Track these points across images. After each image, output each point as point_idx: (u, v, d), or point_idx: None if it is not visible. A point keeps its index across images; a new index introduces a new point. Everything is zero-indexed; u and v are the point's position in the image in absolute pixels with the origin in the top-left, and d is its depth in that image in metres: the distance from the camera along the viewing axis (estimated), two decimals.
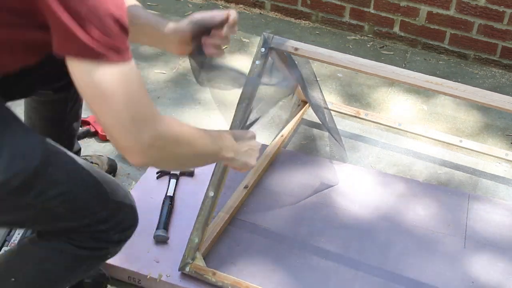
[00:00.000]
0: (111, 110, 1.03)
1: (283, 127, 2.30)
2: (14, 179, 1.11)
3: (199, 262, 1.69)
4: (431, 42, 2.99)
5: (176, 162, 1.23)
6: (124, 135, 1.05)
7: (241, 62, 2.77)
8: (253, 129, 1.61)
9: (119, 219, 1.31)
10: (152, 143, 1.07)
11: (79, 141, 2.25)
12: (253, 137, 1.47)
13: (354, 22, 3.10)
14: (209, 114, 2.43)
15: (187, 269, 1.68)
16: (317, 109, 2.12)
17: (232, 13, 1.46)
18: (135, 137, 1.05)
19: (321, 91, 2.16)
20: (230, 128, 1.73)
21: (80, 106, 1.79)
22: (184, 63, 2.77)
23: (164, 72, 2.69)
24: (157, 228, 1.82)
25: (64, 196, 1.20)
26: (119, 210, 1.31)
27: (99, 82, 1.01)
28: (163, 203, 1.91)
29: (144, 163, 1.10)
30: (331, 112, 2.27)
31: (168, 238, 1.81)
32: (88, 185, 1.24)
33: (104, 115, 1.04)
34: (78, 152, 1.96)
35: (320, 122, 2.14)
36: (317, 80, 2.20)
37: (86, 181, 1.24)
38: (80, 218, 1.24)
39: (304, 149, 2.26)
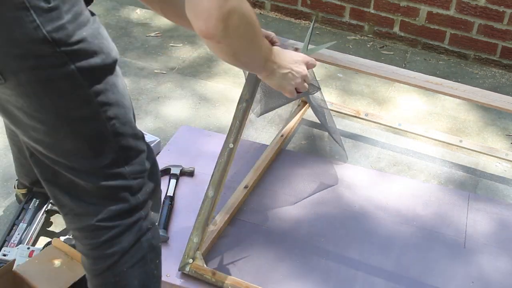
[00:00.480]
0: None
1: (283, 127, 2.30)
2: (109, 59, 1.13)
3: (199, 262, 1.69)
4: (431, 42, 2.99)
5: (234, 47, 1.19)
6: None
7: None
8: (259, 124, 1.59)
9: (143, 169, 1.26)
10: (229, 16, 1.08)
11: None
12: (303, 61, 1.43)
13: (354, 22, 3.10)
14: (209, 114, 2.43)
15: (187, 269, 1.68)
16: (316, 109, 2.12)
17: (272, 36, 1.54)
18: (220, 3, 1.06)
19: (321, 92, 2.15)
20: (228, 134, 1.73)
21: None
22: (184, 63, 2.77)
23: (164, 72, 2.69)
24: None
25: (116, 119, 1.17)
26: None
27: None
28: (163, 203, 1.91)
29: (210, 33, 1.09)
30: (331, 112, 2.27)
31: (168, 238, 1.81)
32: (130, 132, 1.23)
33: None
34: None
35: (320, 122, 2.14)
36: (317, 81, 2.19)
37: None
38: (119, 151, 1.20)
39: (304, 149, 2.26)
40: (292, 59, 1.40)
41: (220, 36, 1.11)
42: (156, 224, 1.31)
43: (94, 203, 1.20)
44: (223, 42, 1.13)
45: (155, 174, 1.29)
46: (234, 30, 1.12)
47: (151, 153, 1.28)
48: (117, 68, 1.18)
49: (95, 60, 1.10)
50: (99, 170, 1.18)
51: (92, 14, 1.15)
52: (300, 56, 1.43)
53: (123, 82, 1.21)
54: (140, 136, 1.25)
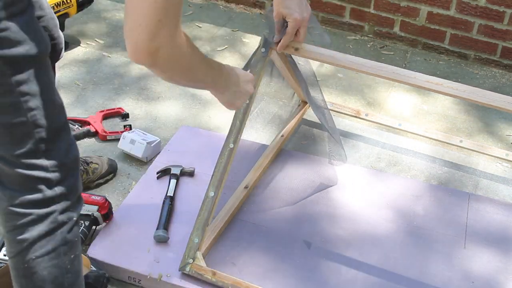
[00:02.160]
0: (147, 4, 1.07)
1: (283, 127, 2.30)
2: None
3: (199, 262, 1.69)
4: (431, 42, 2.99)
5: (166, 75, 1.26)
6: (142, 30, 1.09)
7: (241, 62, 2.78)
8: (255, 125, 1.62)
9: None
10: (156, 52, 1.12)
11: (79, 141, 2.26)
12: (251, 80, 1.56)
13: (354, 22, 3.10)
14: (209, 114, 2.43)
15: (187, 269, 1.68)
16: (317, 109, 2.12)
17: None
18: (150, 37, 1.10)
19: (321, 91, 2.16)
20: (230, 129, 1.73)
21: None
22: None
23: None
24: (157, 228, 1.82)
25: (38, 111, 1.20)
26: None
27: None
28: (163, 203, 1.91)
29: (138, 61, 1.15)
30: (331, 112, 2.27)
31: (168, 238, 1.81)
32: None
33: (137, 6, 1.08)
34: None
35: (320, 122, 2.14)
36: (317, 80, 2.20)
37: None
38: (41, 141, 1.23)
39: (304, 149, 2.26)
40: (244, 77, 1.53)
41: (150, 65, 1.17)
42: (75, 219, 1.32)
43: (11, 188, 1.24)
44: (154, 69, 1.19)
45: (75, 169, 1.30)
46: (164, 63, 1.17)
47: (74, 149, 1.30)
48: (46, 61, 1.21)
49: (18, 50, 1.13)
50: (16, 158, 1.21)
51: (30, 5, 1.17)
52: (249, 76, 1.56)
53: (51, 76, 1.23)
54: (63, 131, 1.27)
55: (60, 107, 1.27)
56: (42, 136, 1.21)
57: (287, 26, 1.71)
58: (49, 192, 1.25)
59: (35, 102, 1.18)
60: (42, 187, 1.24)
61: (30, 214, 1.24)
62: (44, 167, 1.23)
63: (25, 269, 1.28)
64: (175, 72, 1.23)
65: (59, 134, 1.25)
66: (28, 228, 1.25)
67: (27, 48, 1.14)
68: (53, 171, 1.24)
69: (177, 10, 1.12)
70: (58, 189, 1.26)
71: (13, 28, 1.11)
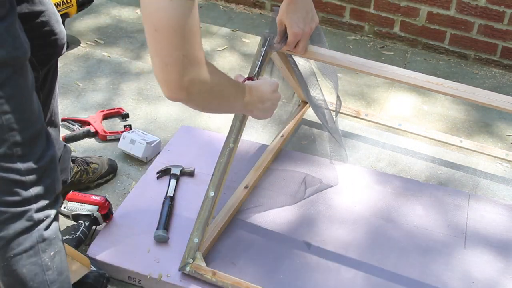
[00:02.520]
0: (167, 44, 1.10)
1: (283, 127, 2.30)
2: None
3: (199, 262, 1.69)
4: (431, 42, 2.99)
5: (205, 107, 1.33)
6: (171, 69, 1.12)
7: (241, 62, 2.78)
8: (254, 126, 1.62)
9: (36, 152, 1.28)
10: (189, 86, 1.16)
11: (79, 141, 2.26)
12: (276, 89, 1.55)
13: (354, 22, 3.10)
14: (209, 114, 2.43)
15: (187, 269, 1.68)
16: (317, 109, 2.12)
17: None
18: (176, 77, 1.14)
19: (321, 91, 2.16)
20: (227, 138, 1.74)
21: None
22: None
23: None
24: (157, 228, 1.82)
25: (12, 114, 1.20)
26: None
27: (165, 14, 1.08)
28: (163, 203, 1.91)
29: (174, 99, 1.19)
30: (332, 112, 2.27)
31: (168, 238, 1.81)
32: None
33: (159, 47, 1.11)
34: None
35: (320, 122, 2.14)
36: (317, 81, 2.20)
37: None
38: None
39: (304, 149, 2.26)
40: (268, 89, 1.52)
41: (186, 100, 1.21)
42: (53, 216, 1.32)
43: None
44: (190, 103, 1.24)
45: (51, 171, 1.31)
46: (197, 95, 1.21)
47: (50, 151, 1.30)
48: (24, 66, 1.22)
49: None
50: None
51: (11, 11, 1.19)
52: (273, 84, 1.55)
53: (28, 80, 1.24)
54: (39, 134, 1.27)
55: (37, 111, 1.27)
56: (17, 140, 1.22)
57: (287, 37, 1.71)
58: (24, 194, 1.25)
59: (9, 106, 1.19)
60: (17, 189, 1.25)
61: (5, 212, 1.25)
62: (19, 170, 1.24)
63: (4, 267, 1.29)
64: (209, 101, 1.28)
65: (35, 137, 1.26)
66: (4, 226, 1.26)
67: (3, 52, 1.16)
68: (28, 174, 1.25)
69: (198, 38, 1.14)
70: (33, 191, 1.26)
71: None
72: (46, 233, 1.30)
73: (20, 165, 1.23)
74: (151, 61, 1.15)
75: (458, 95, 1.68)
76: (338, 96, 2.08)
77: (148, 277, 1.71)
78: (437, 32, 2.95)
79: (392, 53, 2.98)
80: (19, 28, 1.22)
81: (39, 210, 1.28)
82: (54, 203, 1.32)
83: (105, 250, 1.77)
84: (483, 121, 2.51)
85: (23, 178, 1.24)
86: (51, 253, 1.32)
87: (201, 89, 1.20)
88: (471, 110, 2.57)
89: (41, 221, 1.29)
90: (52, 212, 1.31)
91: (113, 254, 1.76)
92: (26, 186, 1.25)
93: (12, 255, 1.28)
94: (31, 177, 1.25)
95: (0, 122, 1.19)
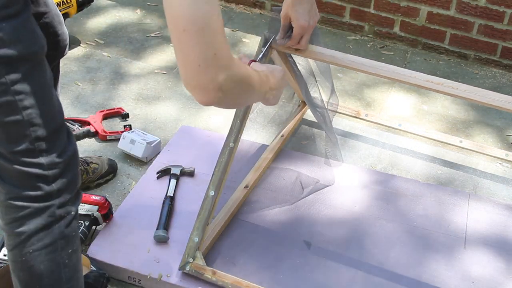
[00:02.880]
0: (197, 43, 1.06)
1: (283, 127, 2.30)
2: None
3: (200, 261, 1.69)
4: (431, 42, 2.99)
5: (235, 103, 1.31)
6: (205, 70, 1.09)
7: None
8: (253, 127, 1.60)
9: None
10: (224, 84, 1.12)
11: (79, 141, 2.26)
12: (284, 75, 1.51)
13: (354, 22, 3.10)
14: (209, 114, 2.43)
15: (188, 268, 1.68)
16: (314, 109, 2.12)
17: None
18: (211, 77, 1.09)
19: (320, 92, 2.16)
20: (230, 129, 1.73)
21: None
22: None
23: (164, 72, 2.70)
24: (157, 228, 1.82)
25: (33, 109, 1.21)
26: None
27: (193, 13, 1.04)
28: (163, 203, 1.91)
29: (211, 102, 1.15)
30: (330, 112, 2.27)
31: (168, 238, 1.81)
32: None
33: (189, 49, 1.07)
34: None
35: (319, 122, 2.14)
36: (316, 81, 2.20)
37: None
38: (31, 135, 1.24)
39: (304, 149, 2.26)
40: (279, 75, 1.47)
41: (220, 102, 1.17)
42: (73, 214, 1.33)
43: (10, 183, 1.25)
44: (223, 104, 1.21)
45: (73, 165, 1.31)
46: (230, 92, 1.17)
47: (71, 145, 1.31)
48: (42, 60, 1.23)
49: (12, 50, 1.15)
50: (13, 155, 1.23)
51: (26, 7, 1.19)
52: (282, 70, 1.50)
53: (46, 75, 1.25)
54: (60, 128, 1.28)
55: (57, 105, 1.28)
56: (38, 135, 1.23)
57: (292, 31, 1.71)
58: (47, 188, 1.26)
59: (29, 101, 1.20)
60: (40, 183, 1.25)
61: (28, 207, 1.26)
62: (42, 164, 1.24)
63: (22, 262, 1.29)
64: (240, 96, 1.25)
65: (56, 131, 1.26)
66: (26, 221, 1.26)
67: (20, 48, 1.16)
68: (51, 169, 1.25)
69: (224, 34, 1.12)
70: (55, 185, 1.27)
71: (6, 29, 1.13)
72: (67, 231, 1.31)
73: (42, 160, 1.24)
74: (180, 71, 1.10)
75: (458, 95, 1.68)
76: (336, 95, 2.07)
77: (148, 277, 1.71)
78: (437, 32, 2.95)
79: (392, 53, 2.98)
80: (34, 23, 1.22)
81: (61, 206, 1.29)
82: (75, 199, 1.33)
83: (105, 250, 1.77)
84: (483, 121, 2.51)
85: (45, 172, 1.25)
86: (69, 251, 1.33)
87: (235, 86, 1.17)
88: (471, 110, 2.57)
89: (62, 217, 1.30)
90: (73, 209, 1.32)
91: (113, 254, 1.76)
92: (49, 180, 1.26)
93: (31, 251, 1.28)
94: (54, 171, 1.26)
95: (21, 117, 1.20)
